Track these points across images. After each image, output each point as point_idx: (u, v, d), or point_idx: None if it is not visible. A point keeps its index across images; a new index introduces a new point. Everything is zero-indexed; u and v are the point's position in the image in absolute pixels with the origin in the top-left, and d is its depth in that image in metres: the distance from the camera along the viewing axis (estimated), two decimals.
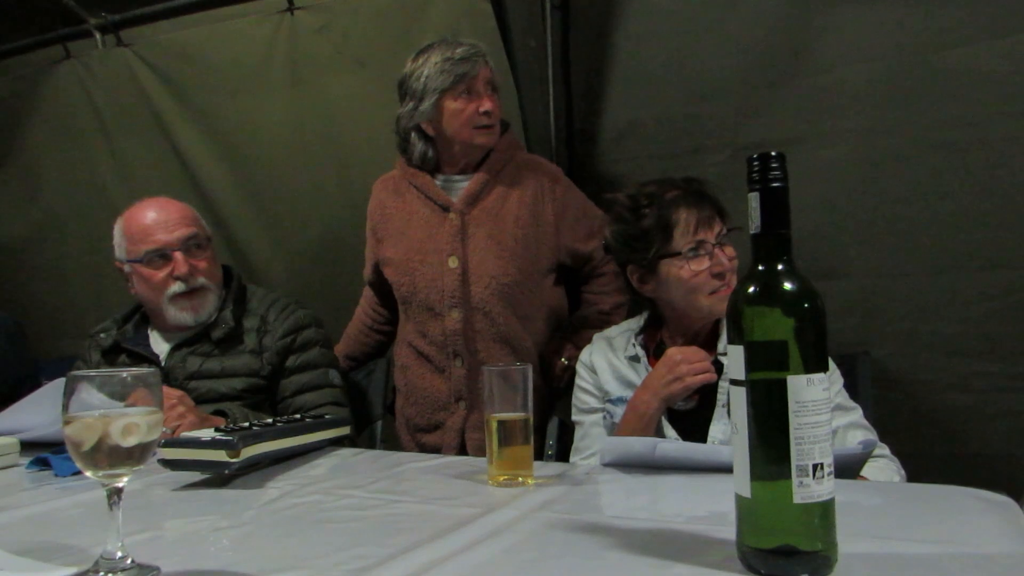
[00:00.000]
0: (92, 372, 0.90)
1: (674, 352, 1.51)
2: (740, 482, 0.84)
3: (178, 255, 1.85)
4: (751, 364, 0.83)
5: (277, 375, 1.89)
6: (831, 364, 1.60)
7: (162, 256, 1.86)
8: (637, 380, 1.61)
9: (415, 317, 2.02)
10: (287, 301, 1.97)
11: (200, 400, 1.78)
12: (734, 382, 0.85)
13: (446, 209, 1.98)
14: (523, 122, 2.25)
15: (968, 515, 1.02)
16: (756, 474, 0.83)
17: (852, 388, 1.63)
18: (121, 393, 0.89)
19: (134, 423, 0.88)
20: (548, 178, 2.03)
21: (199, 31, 2.75)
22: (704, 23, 2.07)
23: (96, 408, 0.88)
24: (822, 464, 0.82)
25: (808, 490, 0.81)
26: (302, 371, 1.89)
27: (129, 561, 0.88)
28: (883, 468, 1.52)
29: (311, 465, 1.45)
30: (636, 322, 1.73)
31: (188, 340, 1.89)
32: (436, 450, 2.00)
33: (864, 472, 1.47)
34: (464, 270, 1.94)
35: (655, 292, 1.64)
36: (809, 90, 1.98)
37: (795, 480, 0.81)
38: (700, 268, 1.56)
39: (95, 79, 2.94)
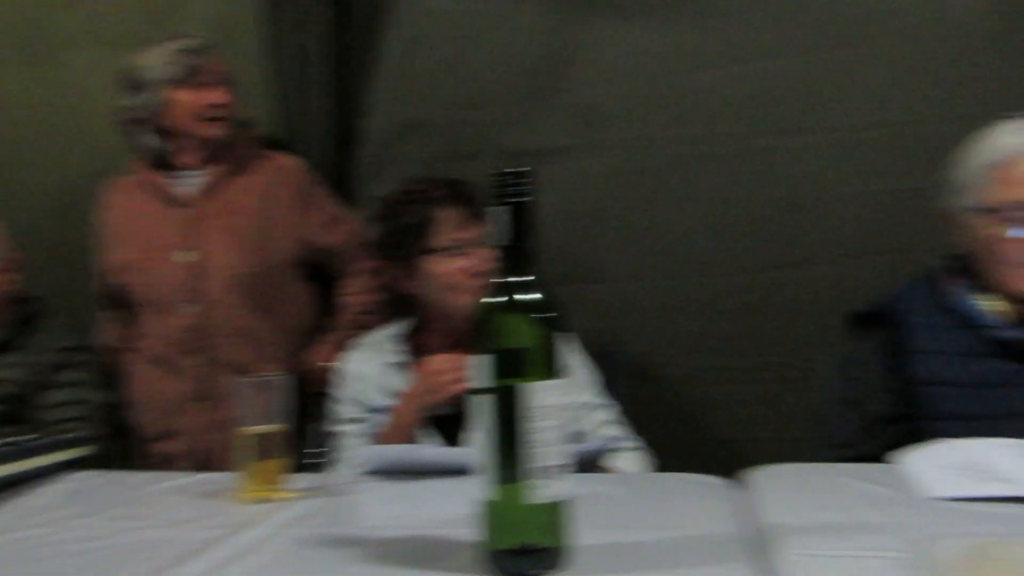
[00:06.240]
0: None
1: (432, 361, 1.52)
2: (483, 486, 0.87)
3: None
4: (493, 371, 0.86)
5: (41, 387, 1.82)
6: (589, 364, 1.70)
7: None
8: (401, 388, 1.60)
9: (148, 319, 1.96)
10: (72, 327, 1.95)
11: None
12: (479, 389, 0.88)
13: (179, 204, 1.96)
14: (284, 119, 2.20)
15: (691, 499, 1.13)
16: (497, 477, 0.86)
17: (607, 386, 1.74)
18: None
19: None
20: (284, 171, 2.04)
21: None
22: (475, 30, 2.13)
23: None
24: (558, 465, 0.86)
25: (545, 490, 0.85)
26: (68, 387, 1.84)
27: None
28: (633, 460, 1.63)
29: (36, 494, 1.30)
30: (401, 327, 1.71)
31: None
32: (173, 459, 1.92)
33: (616, 464, 1.57)
34: (199, 264, 1.91)
35: (416, 291, 1.65)
36: (572, 103, 2.10)
37: (533, 481, 0.85)
38: (459, 266, 1.58)
39: None
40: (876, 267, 1.88)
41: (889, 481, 1.13)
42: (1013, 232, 1.39)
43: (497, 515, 0.87)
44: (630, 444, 1.65)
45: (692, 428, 2.07)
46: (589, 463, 1.35)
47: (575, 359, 1.68)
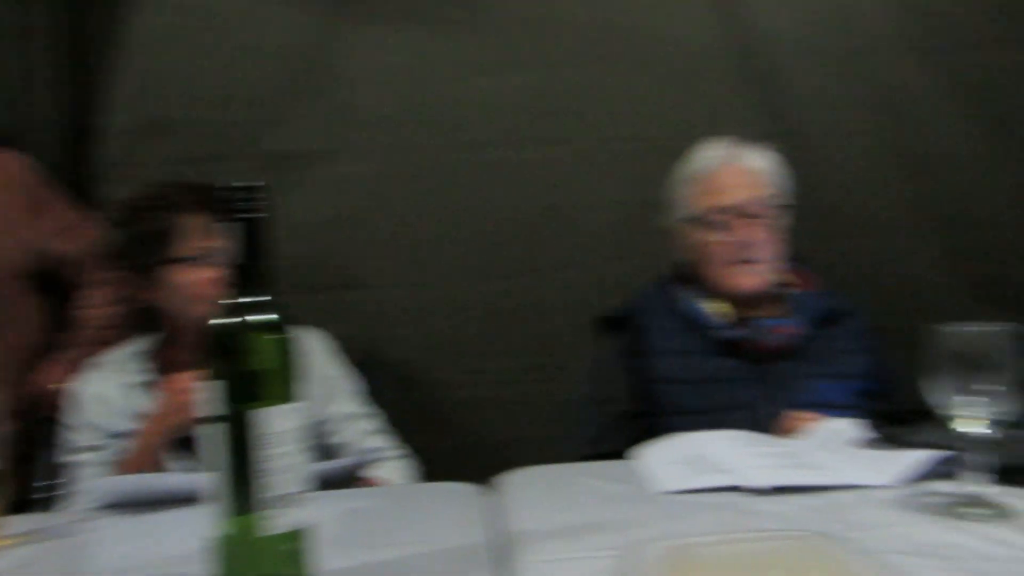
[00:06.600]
0: None
1: (180, 379, 1.43)
2: (215, 519, 0.83)
3: None
4: (225, 397, 0.82)
5: None
6: (349, 373, 1.68)
7: None
8: (146, 409, 1.49)
9: None
10: None
11: None
12: (208, 418, 0.83)
13: None
14: (6, 112, 1.97)
15: (446, 510, 1.14)
16: (229, 509, 0.82)
17: (368, 394, 1.72)
18: None
19: None
20: (8, 171, 1.85)
21: None
22: (227, 24, 2.02)
23: None
24: (292, 493, 0.83)
25: (282, 520, 0.82)
26: None
27: None
28: (396, 468, 1.63)
29: None
30: (145, 343, 1.60)
31: None
32: None
33: (379, 474, 1.57)
34: None
35: (156, 301, 1.55)
36: (333, 106, 2.05)
37: (264, 513, 0.81)
38: (207, 276, 1.50)
39: None
40: (627, 272, 2.01)
41: (627, 478, 1.20)
42: (717, 236, 1.56)
43: (232, 549, 0.83)
44: (394, 453, 1.66)
45: (456, 432, 2.11)
46: (350, 477, 1.33)
47: (335, 368, 1.66)
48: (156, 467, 1.44)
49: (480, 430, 2.11)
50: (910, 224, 2.16)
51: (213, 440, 0.82)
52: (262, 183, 0.85)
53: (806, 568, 0.73)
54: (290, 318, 0.86)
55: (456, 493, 1.21)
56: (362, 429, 1.63)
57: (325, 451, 1.63)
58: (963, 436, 0.98)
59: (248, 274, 0.85)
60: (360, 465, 1.34)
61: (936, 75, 2.11)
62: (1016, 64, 2.12)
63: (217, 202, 1.53)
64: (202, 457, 0.84)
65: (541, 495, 1.15)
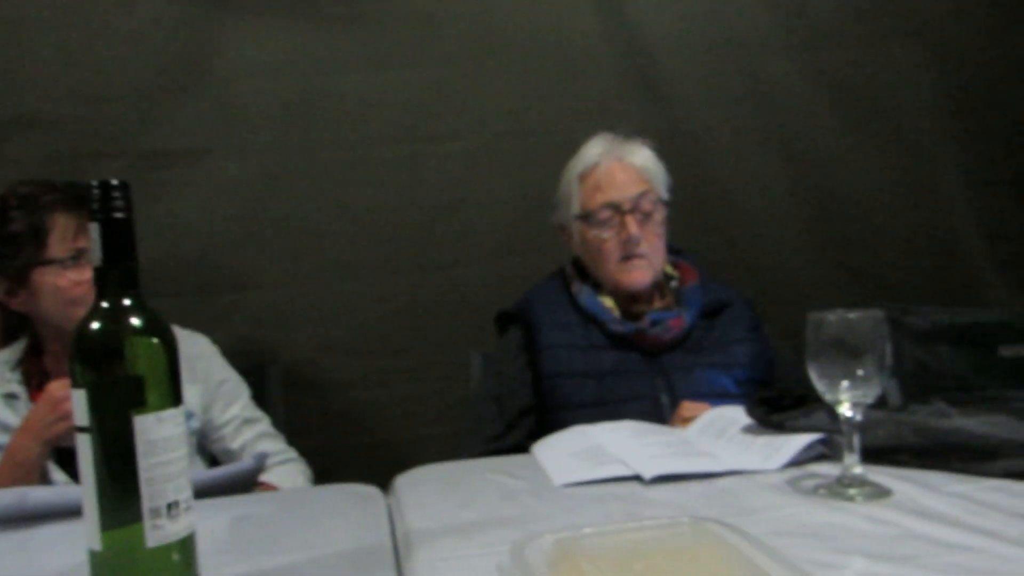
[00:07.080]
0: None
1: (56, 387, 1.35)
2: (90, 535, 0.78)
3: None
4: (95, 406, 0.77)
5: None
6: (237, 377, 1.62)
7: None
8: (16, 422, 1.40)
9: None
10: None
11: None
12: (78, 429, 0.78)
13: None
14: None
15: (337, 514, 1.11)
16: (106, 524, 0.77)
17: (262, 397, 1.67)
18: None
19: None
20: None
21: None
22: (99, 16, 1.91)
23: None
24: (177, 501, 0.79)
25: (163, 531, 0.78)
26: None
27: None
28: (290, 472, 1.59)
29: None
30: (12, 352, 1.51)
31: None
32: None
33: (272, 478, 1.52)
34: None
35: (27, 306, 1.47)
36: (214, 102, 1.98)
37: (147, 523, 0.77)
38: (81, 278, 1.44)
39: None
40: (521, 267, 2.01)
41: (526, 472, 1.20)
42: (604, 232, 1.58)
43: (107, 565, 0.78)
44: (287, 456, 1.62)
45: (356, 433, 2.07)
46: (241, 483, 1.29)
47: (222, 372, 1.60)
48: (32, 481, 1.35)
49: (380, 430, 2.07)
50: (787, 216, 2.25)
51: (92, 450, 0.77)
52: (124, 182, 0.81)
53: (691, 554, 0.74)
54: (162, 321, 0.82)
55: (353, 495, 1.19)
56: (252, 433, 1.59)
57: (214, 457, 1.58)
58: (843, 418, 1.02)
59: (112, 277, 0.80)
60: (251, 470, 1.29)
61: (808, 72, 2.22)
62: (879, 61, 2.24)
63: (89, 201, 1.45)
64: (81, 468, 0.78)
65: (440, 492, 1.14)
